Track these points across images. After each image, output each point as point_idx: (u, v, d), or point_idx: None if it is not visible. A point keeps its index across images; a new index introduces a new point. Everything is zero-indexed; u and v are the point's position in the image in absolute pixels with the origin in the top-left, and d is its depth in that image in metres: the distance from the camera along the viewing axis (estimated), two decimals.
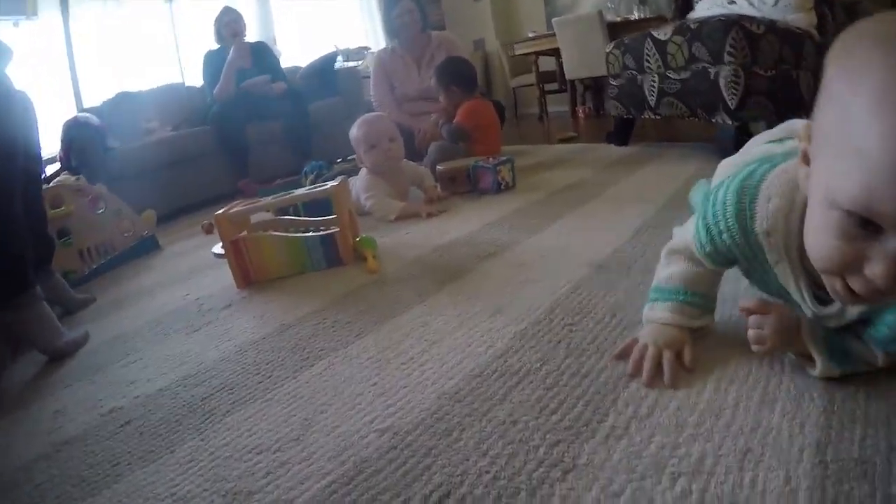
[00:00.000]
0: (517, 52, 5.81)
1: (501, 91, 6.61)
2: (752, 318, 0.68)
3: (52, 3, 3.86)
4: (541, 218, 1.57)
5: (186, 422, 0.80)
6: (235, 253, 1.38)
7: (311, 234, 1.45)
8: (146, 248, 2.10)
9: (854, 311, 0.60)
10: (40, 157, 1.52)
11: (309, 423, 0.72)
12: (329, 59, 4.07)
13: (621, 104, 2.73)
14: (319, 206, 1.65)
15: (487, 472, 0.57)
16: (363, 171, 1.96)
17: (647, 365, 0.71)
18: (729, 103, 2.06)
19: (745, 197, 0.63)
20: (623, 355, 0.76)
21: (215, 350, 1.04)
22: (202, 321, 1.22)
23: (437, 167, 2.17)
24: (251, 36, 3.74)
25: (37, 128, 1.50)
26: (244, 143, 3.28)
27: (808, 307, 0.63)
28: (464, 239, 1.49)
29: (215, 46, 3.55)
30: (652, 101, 2.46)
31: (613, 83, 2.76)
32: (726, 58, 2.06)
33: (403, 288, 1.19)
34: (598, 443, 0.59)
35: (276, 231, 1.47)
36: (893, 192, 0.40)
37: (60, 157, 2.82)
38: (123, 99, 3.37)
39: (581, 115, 5.32)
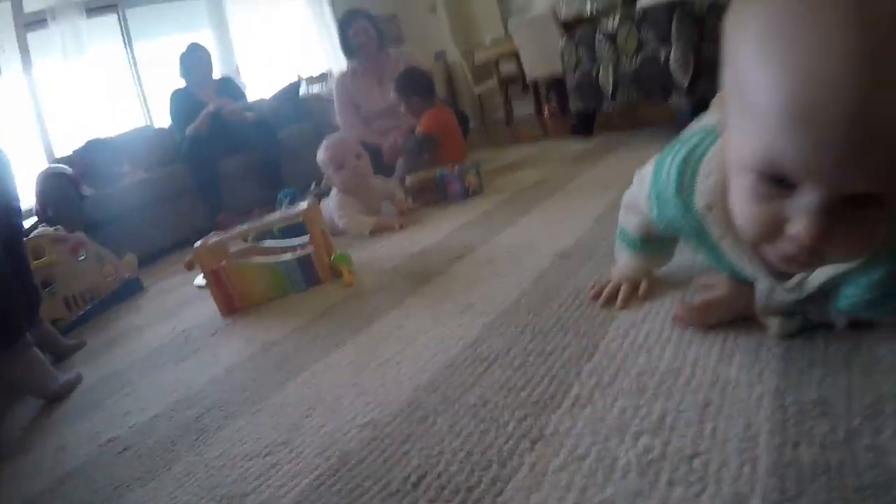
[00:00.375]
0: (477, 59, 5.90)
1: (467, 100, 6.68)
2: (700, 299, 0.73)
3: (14, 60, 3.91)
4: (508, 216, 1.63)
5: (181, 441, 0.84)
6: (217, 282, 1.43)
7: (287, 257, 1.50)
8: (130, 290, 2.13)
9: (815, 282, 0.59)
10: (20, 210, 1.56)
11: (296, 427, 0.77)
12: (293, 88, 4.14)
13: (580, 97, 2.81)
14: (295, 230, 1.70)
15: (461, 450, 0.62)
16: (334, 191, 2.02)
17: (605, 292, 0.89)
18: (682, 83, 2.13)
19: (687, 171, 0.63)
20: (597, 296, 0.91)
21: (204, 375, 1.09)
22: (190, 350, 1.27)
23: (406, 179, 2.23)
24: (215, 71, 3.78)
25: (14, 181, 1.54)
26: (216, 178, 3.32)
27: (763, 281, 0.64)
28: (435, 245, 1.55)
29: (180, 84, 3.58)
30: (608, 90, 2.53)
31: (570, 77, 2.84)
32: (674, 39, 2.13)
33: (379, 297, 1.24)
34: (563, 413, 0.63)
35: (254, 258, 1.52)
36: (791, 141, 0.40)
37: (36, 209, 2.84)
38: (93, 146, 3.41)
39: (547, 114, 5.40)
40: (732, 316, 0.71)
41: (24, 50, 3.98)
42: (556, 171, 2.12)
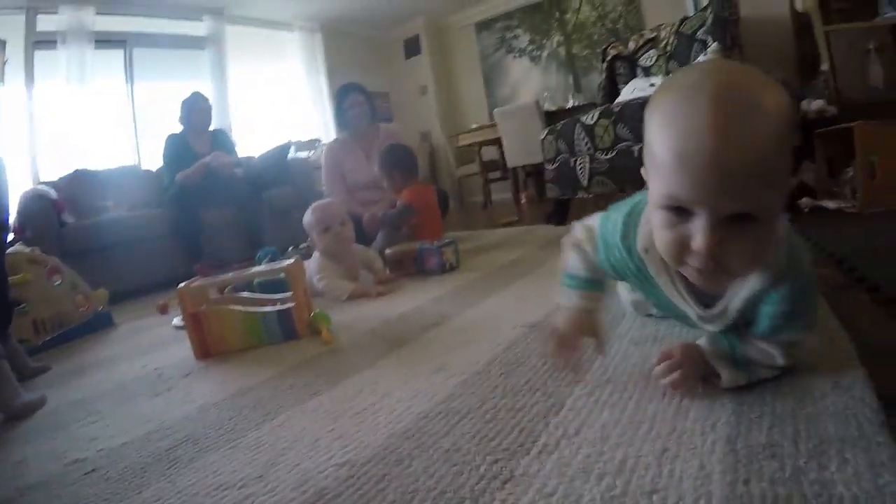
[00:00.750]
0: (461, 143, 6.12)
1: (447, 181, 6.88)
2: (662, 366, 0.80)
3: (18, 72, 3.98)
4: (482, 292, 1.70)
5: (152, 469, 0.86)
6: (195, 325, 1.46)
7: (268, 308, 1.53)
8: (101, 324, 2.13)
9: (734, 308, 0.74)
10: (7, 223, 1.58)
11: (272, 463, 0.80)
12: (283, 150, 4.25)
13: (557, 186, 2.96)
14: (274, 287, 1.75)
15: (435, 488, 0.66)
16: (316, 255, 2.08)
17: (551, 345, 0.89)
18: None
19: (630, 222, 0.78)
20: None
21: (178, 410, 1.10)
22: (163, 387, 1.28)
23: (386, 251, 2.30)
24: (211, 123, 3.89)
25: (7, 192, 1.57)
26: (199, 226, 3.36)
27: (694, 310, 0.78)
28: (411, 313, 1.60)
29: (177, 129, 3.66)
30: (584, 180, 2.69)
31: (549, 167, 3.00)
32: None
33: (355, 355, 1.28)
34: (532, 458, 0.68)
35: (234, 306, 1.55)
36: (681, 181, 0.59)
37: (15, 227, 2.84)
38: (80, 176, 3.44)
39: (524, 200, 5.59)
40: (702, 374, 0.79)
41: (30, 66, 4.07)
42: (530, 254, 2.21)
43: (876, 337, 0.94)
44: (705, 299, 0.77)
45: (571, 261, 0.92)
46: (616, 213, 0.82)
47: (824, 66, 3.24)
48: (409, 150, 2.87)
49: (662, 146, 0.61)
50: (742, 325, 0.77)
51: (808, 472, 0.56)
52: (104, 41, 4.56)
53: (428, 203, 2.68)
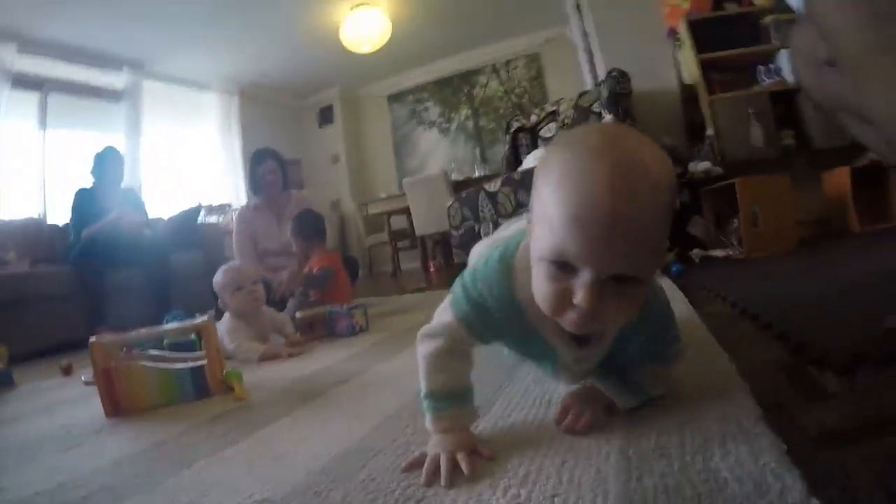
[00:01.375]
0: (371, 212, 6.26)
1: (357, 249, 6.96)
2: (566, 419, 0.85)
3: None
4: (391, 350, 1.80)
5: None
6: (106, 381, 1.46)
7: (180, 365, 1.56)
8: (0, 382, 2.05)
9: (606, 345, 0.83)
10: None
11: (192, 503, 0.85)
12: (192, 213, 4.23)
13: (463, 251, 3.12)
14: (184, 347, 1.77)
15: None
16: (226, 316, 2.12)
17: (443, 471, 0.75)
18: None
19: (505, 270, 0.82)
20: (412, 467, 0.81)
21: (90, 464, 1.11)
22: (72, 443, 1.27)
23: (297, 314, 2.36)
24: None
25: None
26: (103, 287, 3.27)
27: (570, 352, 0.83)
28: (322, 371, 1.67)
29: (87, 184, 3.58)
30: None
31: (455, 233, 3.16)
32: None
33: (270, 409, 1.32)
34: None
35: (144, 363, 1.56)
36: (571, 240, 0.63)
37: None
38: None
39: (433, 268, 5.74)
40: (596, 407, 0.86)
41: None
42: None
43: (755, 357, 1.12)
44: (580, 340, 0.82)
45: (432, 378, 0.86)
46: (484, 266, 0.85)
47: (709, 131, 3.66)
48: (319, 215, 2.97)
49: (557, 205, 0.64)
50: (616, 359, 0.87)
51: (694, 464, 0.67)
52: (21, 82, 4.48)
53: (337, 269, 2.77)
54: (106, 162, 3.63)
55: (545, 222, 0.67)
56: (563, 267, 0.66)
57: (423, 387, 0.87)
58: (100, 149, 3.68)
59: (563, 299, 0.68)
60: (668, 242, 0.75)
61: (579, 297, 0.65)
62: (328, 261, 2.73)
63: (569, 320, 0.70)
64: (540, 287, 0.71)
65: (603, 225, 0.61)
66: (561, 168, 0.66)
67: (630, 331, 0.80)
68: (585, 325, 0.69)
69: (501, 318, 0.84)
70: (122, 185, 3.81)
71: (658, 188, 0.64)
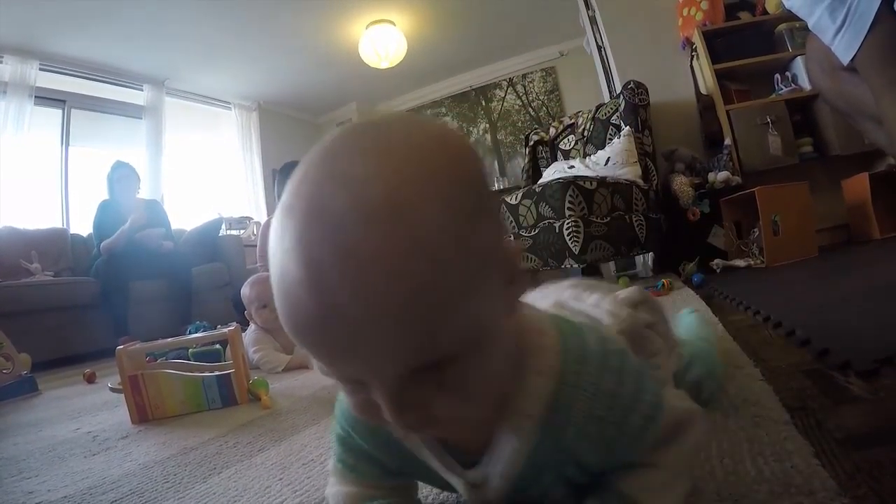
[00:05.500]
0: None
1: None
2: None
3: None
4: None
5: None
6: (133, 388, 1.48)
7: (207, 374, 1.58)
8: (25, 388, 2.08)
9: (495, 472, 0.51)
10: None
11: None
12: (214, 225, 4.28)
13: None
14: (209, 358, 1.80)
15: None
16: (252, 327, 2.14)
17: None
18: (573, 250, 2.51)
19: None
20: None
21: (118, 468, 1.12)
22: (100, 448, 1.29)
23: None
24: (144, 192, 3.89)
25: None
26: (126, 298, 3.31)
27: (457, 476, 0.55)
28: None
29: (108, 196, 3.65)
30: None
31: None
32: (566, 212, 2.54)
33: (297, 417, 1.33)
34: None
35: (171, 371, 1.59)
36: (314, 353, 0.39)
37: None
38: (4, 233, 3.35)
39: None
40: None
41: None
42: None
43: (780, 362, 1.11)
44: (464, 459, 0.54)
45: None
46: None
47: (727, 141, 3.65)
48: None
49: (282, 315, 0.39)
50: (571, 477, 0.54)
51: (723, 467, 0.66)
52: (44, 98, 4.59)
53: None
54: (112, 177, 3.73)
55: None
56: (354, 383, 0.42)
57: None
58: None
59: (375, 414, 0.42)
60: (514, 262, 0.43)
61: (385, 412, 0.40)
62: None
63: (399, 429, 0.43)
64: (350, 407, 0.45)
65: (322, 329, 0.36)
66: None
67: (555, 432, 0.49)
68: (432, 431, 0.48)
69: (375, 444, 0.58)
70: (142, 195, 3.87)
71: (416, 207, 0.35)
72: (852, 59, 0.79)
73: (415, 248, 0.34)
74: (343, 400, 0.53)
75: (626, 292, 0.80)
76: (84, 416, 1.67)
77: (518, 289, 0.44)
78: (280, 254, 0.37)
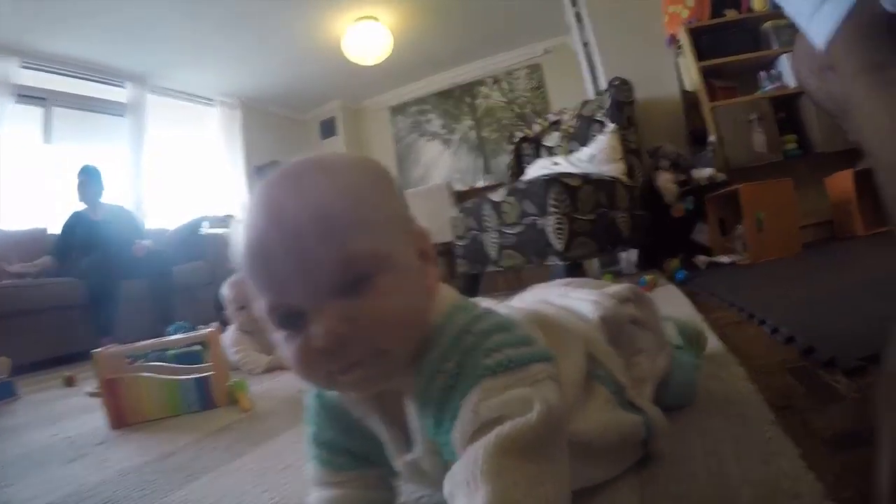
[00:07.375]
0: None
1: None
2: None
3: None
4: None
5: None
6: (111, 392, 1.45)
7: (185, 377, 1.55)
8: (2, 393, 2.04)
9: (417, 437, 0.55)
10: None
11: None
12: (194, 224, 4.24)
13: (467, 261, 3.13)
14: (190, 359, 1.77)
15: None
16: (232, 328, 2.11)
17: None
18: (556, 247, 2.49)
19: None
20: None
21: (95, 475, 1.10)
22: (77, 454, 1.26)
23: None
24: (121, 195, 3.85)
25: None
26: (107, 299, 3.27)
27: (397, 447, 0.58)
28: None
29: (81, 206, 3.63)
30: (493, 255, 2.87)
31: (460, 243, 3.17)
32: (550, 209, 2.53)
33: (276, 420, 1.32)
34: None
35: (148, 374, 1.56)
36: (252, 279, 0.50)
37: None
38: None
39: None
40: None
41: None
42: None
43: (764, 360, 1.10)
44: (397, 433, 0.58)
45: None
46: None
47: (712, 138, 3.66)
48: None
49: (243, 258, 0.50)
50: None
51: (707, 469, 0.65)
52: (25, 96, 4.53)
53: None
54: (79, 180, 3.73)
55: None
56: (288, 320, 0.49)
57: None
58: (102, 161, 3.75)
59: (311, 355, 0.48)
60: (410, 225, 0.57)
61: (318, 334, 0.46)
62: None
63: (340, 382, 0.50)
64: (291, 362, 0.51)
65: (279, 253, 0.47)
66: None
67: (434, 374, 0.51)
68: (358, 374, 0.49)
69: (339, 428, 0.64)
70: (132, 193, 3.85)
71: (337, 172, 0.50)
72: (828, 44, 0.77)
73: (338, 191, 0.49)
74: (311, 398, 0.65)
75: (617, 287, 0.81)
76: (63, 420, 1.64)
77: (432, 267, 0.56)
78: (248, 215, 0.50)
